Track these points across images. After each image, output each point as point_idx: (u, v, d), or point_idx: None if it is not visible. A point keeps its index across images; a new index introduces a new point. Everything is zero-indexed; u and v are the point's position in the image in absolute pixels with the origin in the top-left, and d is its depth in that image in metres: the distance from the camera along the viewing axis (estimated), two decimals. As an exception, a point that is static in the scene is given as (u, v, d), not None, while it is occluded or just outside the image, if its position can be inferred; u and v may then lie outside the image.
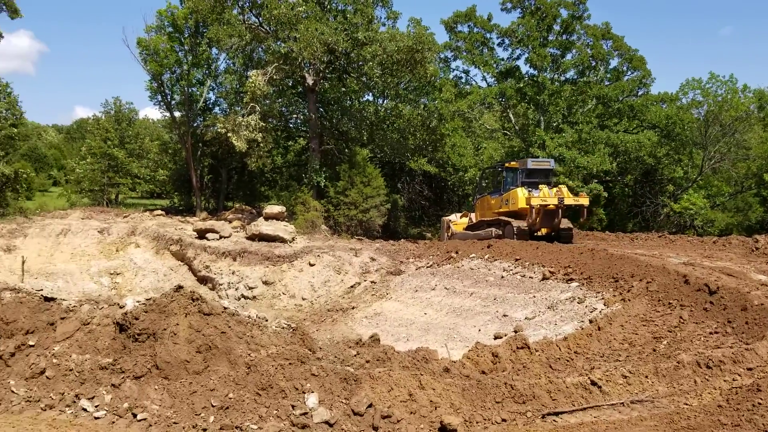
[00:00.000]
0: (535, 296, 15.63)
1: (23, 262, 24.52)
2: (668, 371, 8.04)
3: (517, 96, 35.79)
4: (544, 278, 16.63)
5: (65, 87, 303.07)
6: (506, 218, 24.65)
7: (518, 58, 36.97)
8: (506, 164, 26.95)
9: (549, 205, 23.14)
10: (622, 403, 7.24)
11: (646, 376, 7.94)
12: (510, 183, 25.61)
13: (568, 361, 9.69)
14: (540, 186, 23.88)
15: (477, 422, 6.83)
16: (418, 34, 32.24)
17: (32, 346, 8.07)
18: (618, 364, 8.95)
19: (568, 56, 35.77)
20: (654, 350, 9.75)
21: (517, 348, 10.13)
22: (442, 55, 38.44)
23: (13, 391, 7.30)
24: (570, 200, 23.66)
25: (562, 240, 23.50)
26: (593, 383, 7.64)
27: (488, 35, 37.41)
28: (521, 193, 23.83)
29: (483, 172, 31.31)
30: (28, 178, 36.19)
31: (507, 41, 36.65)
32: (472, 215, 28.33)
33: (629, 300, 12.70)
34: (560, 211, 23.53)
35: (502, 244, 22.15)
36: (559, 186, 25.06)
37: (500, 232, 24.70)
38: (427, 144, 41.63)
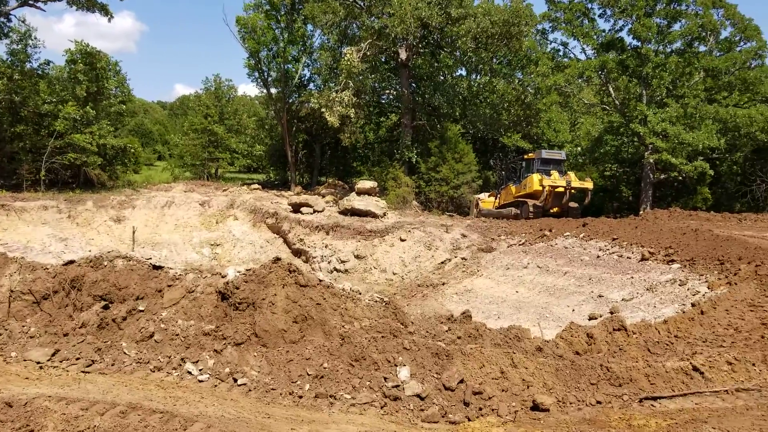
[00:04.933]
0: (632, 277, 15.09)
1: (134, 232, 26.04)
2: (778, 360, 7.60)
3: (618, 69, 34.21)
4: (643, 259, 16.01)
5: (165, 65, 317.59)
6: (523, 199, 28.94)
7: (621, 29, 35.20)
8: (524, 156, 31.55)
9: (558, 187, 27.29)
10: (727, 390, 6.91)
11: (753, 364, 7.54)
12: (527, 170, 29.97)
13: (667, 345, 9.31)
14: (551, 172, 27.98)
15: (570, 403, 6.72)
16: (515, 7, 31.42)
17: (142, 311, 8.60)
18: (722, 350, 8.52)
19: (676, 26, 33.79)
20: (762, 337, 9.20)
21: (614, 330, 9.84)
22: (539, 27, 37.18)
23: (125, 353, 7.81)
24: (576, 184, 27.73)
25: (570, 217, 26.99)
26: (695, 369, 7.33)
27: (590, 5, 35.74)
28: (536, 177, 27.95)
29: (504, 164, 33.57)
30: (136, 152, 38.04)
31: (609, 12, 34.97)
32: (500, 197, 32.21)
33: (736, 284, 12.02)
34: (568, 192, 27.65)
35: (599, 223, 21.54)
36: (568, 173, 29.05)
37: (518, 211, 28.90)
38: (522, 119, 40.71)
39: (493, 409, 6.58)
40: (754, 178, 34.10)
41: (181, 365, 7.55)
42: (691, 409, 6.50)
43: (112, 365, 7.55)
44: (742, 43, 34.47)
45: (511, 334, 8.90)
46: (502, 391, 6.91)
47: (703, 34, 33.78)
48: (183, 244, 26.66)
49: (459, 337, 8.82)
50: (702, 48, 34.79)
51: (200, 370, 7.47)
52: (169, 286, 9.08)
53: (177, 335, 8.08)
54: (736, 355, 7.82)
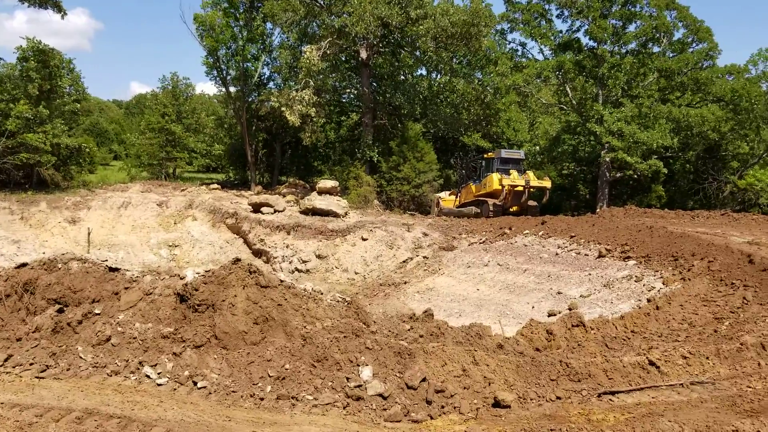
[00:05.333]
0: (590, 274, 15.37)
1: (89, 234, 25.45)
2: (730, 353, 7.82)
3: (575, 69, 34.81)
4: (600, 256, 16.32)
5: (121, 63, 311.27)
6: (483, 198, 29.40)
7: (578, 30, 35.80)
8: (484, 155, 32.19)
9: (518, 186, 27.71)
10: (682, 384, 7.08)
11: (707, 358, 7.74)
12: (487, 170, 30.43)
13: (624, 340, 9.51)
14: (511, 171, 28.38)
15: (531, 399, 6.80)
16: (474, 7, 31.69)
17: (98, 314, 8.40)
18: (677, 345, 8.74)
19: (630, 28, 34.52)
20: (715, 331, 9.47)
21: (573, 326, 10.01)
22: (498, 27, 37.60)
23: (80, 357, 7.62)
24: (535, 183, 28.22)
25: (529, 215, 27.34)
26: (651, 363, 7.49)
27: (547, 6, 36.30)
28: (495, 176, 28.43)
29: (464, 163, 33.64)
30: (91, 152, 37.19)
31: (566, 13, 35.54)
32: (460, 196, 32.56)
33: (689, 279, 12.36)
34: (527, 191, 28.19)
35: (557, 221, 21.90)
36: (527, 172, 29.38)
37: (478, 210, 29.26)
38: (481, 119, 41.08)
39: (455, 407, 6.62)
40: (706, 176, 35.06)
41: (139, 369, 7.40)
42: (648, 403, 6.64)
43: (68, 370, 7.36)
44: (694, 45, 35.37)
45: (472, 332, 8.97)
46: (464, 388, 6.96)
47: (657, 35, 34.59)
48: (140, 245, 26.15)
49: (421, 336, 8.85)
50: (656, 49, 35.62)
51: (159, 373, 7.33)
52: (126, 288, 8.90)
53: (134, 338, 7.92)
54: (691, 349, 8.02)
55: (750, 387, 6.92)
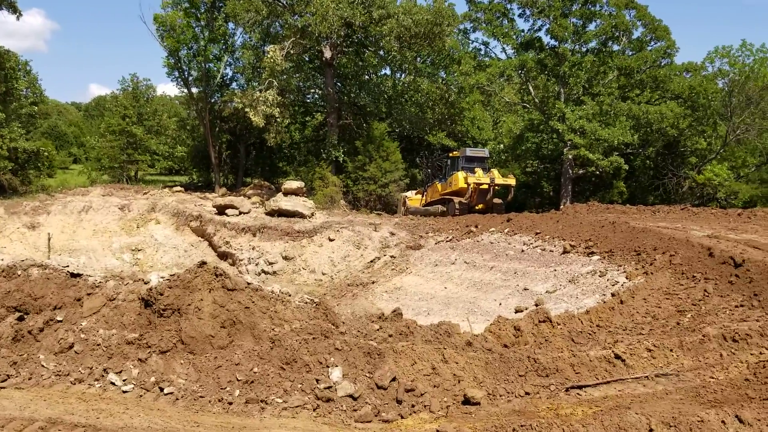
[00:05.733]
0: (555, 270, 15.55)
1: (49, 239, 24.87)
2: (693, 345, 7.98)
3: (537, 68, 35.24)
4: (565, 252, 16.54)
5: (79, 65, 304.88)
6: (449, 197, 29.42)
7: (539, 29, 36.26)
8: (449, 154, 32.23)
9: (483, 184, 27.93)
10: (647, 376, 7.20)
11: (671, 350, 7.89)
12: (452, 168, 30.53)
13: (590, 334, 9.65)
14: (476, 170, 28.64)
15: (500, 395, 6.84)
16: (437, 6, 31.84)
17: (60, 321, 8.19)
18: (641, 338, 8.90)
19: (591, 27, 35.10)
20: (678, 324, 9.67)
21: (539, 322, 10.10)
22: (461, 27, 37.85)
23: (43, 365, 7.42)
24: (500, 181, 28.58)
25: (495, 213, 27.62)
26: (617, 357, 7.60)
27: (509, 6, 36.67)
28: (461, 175, 28.51)
29: (430, 162, 33.82)
30: (50, 155, 36.48)
31: (528, 12, 35.95)
32: (426, 195, 32.63)
33: (652, 273, 12.58)
34: (492, 189, 28.49)
35: (522, 218, 22.13)
36: (492, 170, 29.66)
37: (444, 208, 29.36)
38: (446, 118, 41.33)
39: (425, 406, 6.62)
40: (666, 171, 35.83)
41: (103, 376, 7.24)
42: (615, 396, 6.73)
43: (30, 379, 7.16)
44: (652, 43, 36.09)
45: (441, 330, 8.99)
46: (434, 386, 6.97)
47: (617, 34, 35.23)
48: (102, 250, 25.63)
49: (390, 335, 8.84)
50: (615, 47, 36.31)
51: (124, 380, 7.19)
52: (89, 294, 8.71)
53: (98, 345, 7.75)
54: (655, 341, 8.16)
55: (713, 378, 7.07)
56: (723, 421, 5.20)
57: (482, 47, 40.02)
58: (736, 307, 9.91)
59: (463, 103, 41.08)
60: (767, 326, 8.22)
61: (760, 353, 7.64)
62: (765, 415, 5.29)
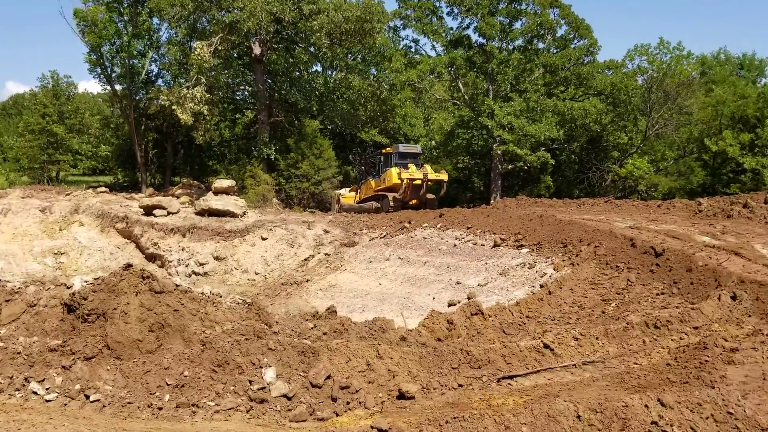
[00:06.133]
0: (487, 263, 15.85)
1: (-38, 244, 23.56)
2: (618, 332, 8.28)
3: (466, 65, 35.78)
4: (495, 245, 16.88)
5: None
6: (383, 193, 29.66)
7: (467, 27, 36.79)
8: (382, 150, 32.53)
9: (416, 179, 28.06)
10: (575, 364, 7.43)
11: (597, 338, 8.16)
12: (385, 165, 30.60)
13: (520, 325, 9.88)
14: (409, 165, 28.53)
15: (434, 388, 6.92)
16: (367, 3, 31.84)
17: (-25, 330, 7.78)
18: (569, 327, 9.17)
19: (517, 25, 35.89)
20: (603, 312, 10.02)
21: (471, 314, 10.28)
22: (391, 24, 38.04)
23: (-43, 378, 7.03)
24: (433, 176, 28.73)
25: (428, 208, 27.53)
26: (546, 346, 7.81)
27: (437, 3, 37.08)
28: (394, 171, 28.61)
29: (363, 159, 33.84)
30: (-37, 156, 34.62)
31: (456, 10, 36.42)
32: (360, 191, 32.80)
33: (578, 264, 12.99)
34: (425, 185, 28.68)
35: (454, 213, 22.44)
36: (424, 165, 29.82)
37: (378, 205, 29.70)
38: (378, 115, 41.43)
39: (360, 402, 6.63)
40: (590, 165, 37.07)
41: (24, 385, 6.91)
42: (545, 385, 6.92)
43: (-58, 393, 6.77)
44: (576, 41, 37.18)
45: (375, 326, 9.03)
46: (369, 383, 6.98)
47: (542, 32, 36.12)
48: (22, 254, 24.44)
49: (325, 333, 8.81)
50: (541, 45, 37.20)
51: (47, 389, 6.89)
52: (8, 300, 8.32)
53: (19, 353, 7.40)
54: (581, 330, 8.43)
55: (637, 364, 7.36)
56: (646, 405, 5.41)
57: (412, 44, 40.41)
58: (658, 294, 10.36)
59: (395, 100, 41.29)
60: (686, 313, 8.61)
61: (680, 339, 8.00)
62: (685, 398, 5.53)
